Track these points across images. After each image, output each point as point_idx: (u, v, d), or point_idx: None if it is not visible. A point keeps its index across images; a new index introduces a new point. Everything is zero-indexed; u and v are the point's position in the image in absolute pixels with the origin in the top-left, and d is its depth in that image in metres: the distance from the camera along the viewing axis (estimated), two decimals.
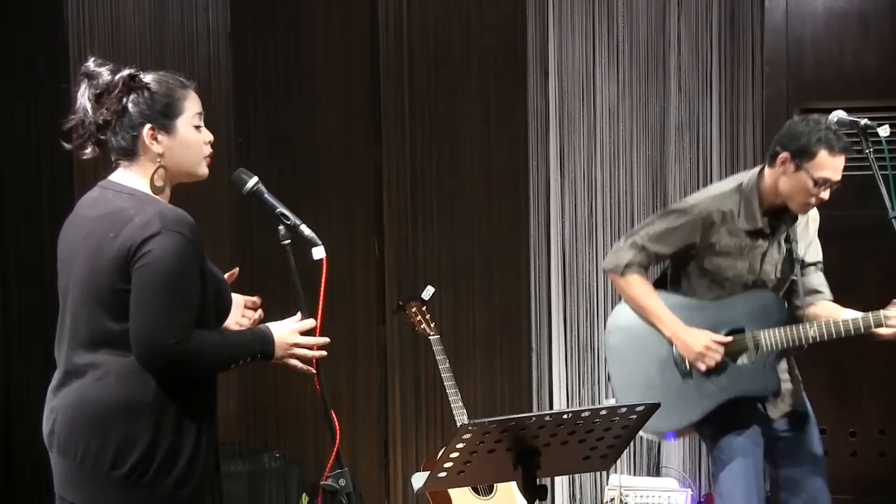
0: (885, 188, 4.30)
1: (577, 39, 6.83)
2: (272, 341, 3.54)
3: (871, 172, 4.34)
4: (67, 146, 3.57)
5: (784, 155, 4.55)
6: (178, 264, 3.35)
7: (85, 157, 3.55)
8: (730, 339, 4.63)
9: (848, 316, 4.54)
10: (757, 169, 4.70)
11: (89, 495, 3.44)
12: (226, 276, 3.69)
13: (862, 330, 4.47)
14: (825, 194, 4.52)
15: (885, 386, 6.24)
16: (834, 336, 4.51)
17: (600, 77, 6.84)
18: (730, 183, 4.77)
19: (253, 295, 3.88)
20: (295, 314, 3.64)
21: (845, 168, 6.03)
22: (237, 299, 3.79)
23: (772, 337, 4.56)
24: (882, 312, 4.43)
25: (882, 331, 4.45)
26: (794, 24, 6.18)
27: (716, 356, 4.60)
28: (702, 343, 4.62)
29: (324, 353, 3.61)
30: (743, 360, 4.62)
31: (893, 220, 4.30)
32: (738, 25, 6.63)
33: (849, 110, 4.57)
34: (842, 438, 6.22)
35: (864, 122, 4.44)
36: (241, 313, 3.80)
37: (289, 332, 3.57)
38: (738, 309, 4.66)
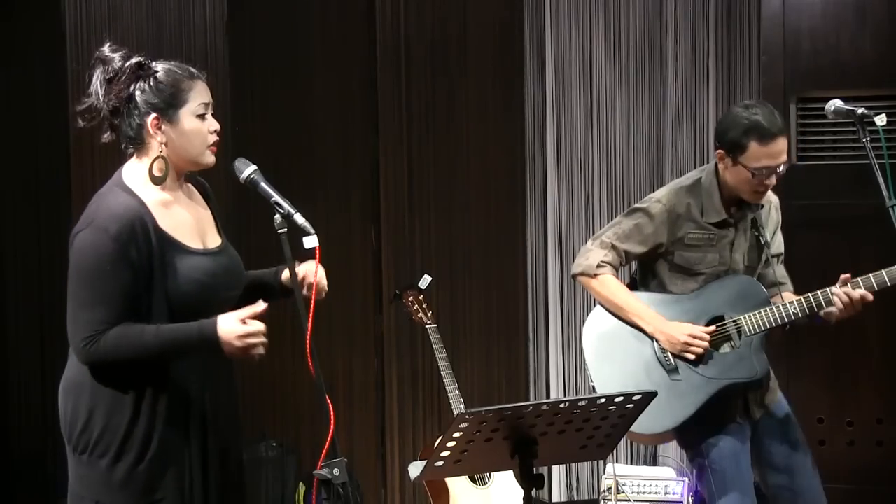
0: (882, 177, 4.30)
1: (574, 29, 6.84)
2: (214, 332, 3.49)
3: (868, 161, 4.33)
4: (81, 124, 3.64)
5: (719, 151, 4.52)
6: (92, 260, 3.45)
7: (104, 141, 3.64)
8: (712, 328, 4.57)
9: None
10: (713, 163, 4.64)
11: (68, 467, 3.63)
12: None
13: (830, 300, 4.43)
14: (771, 180, 4.46)
15: (883, 375, 6.24)
16: (815, 308, 4.42)
17: (597, 67, 6.84)
18: (690, 178, 4.72)
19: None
20: (293, 305, 3.65)
21: (842, 157, 6.07)
22: None
23: (753, 320, 4.53)
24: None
25: (831, 309, 4.42)
26: (791, 12, 6.18)
27: (701, 344, 4.52)
28: (685, 333, 4.54)
29: (264, 340, 3.54)
30: (727, 347, 4.59)
31: (891, 209, 4.29)
32: (734, 14, 6.63)
33: (846, 99, 4.55)
34: (839, 428, 6.22)
35: (861, 110, 4.42)
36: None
37: (234, 320, 3.50)
38: (715, 298, 4.59)
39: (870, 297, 4.37)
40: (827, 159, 6.21)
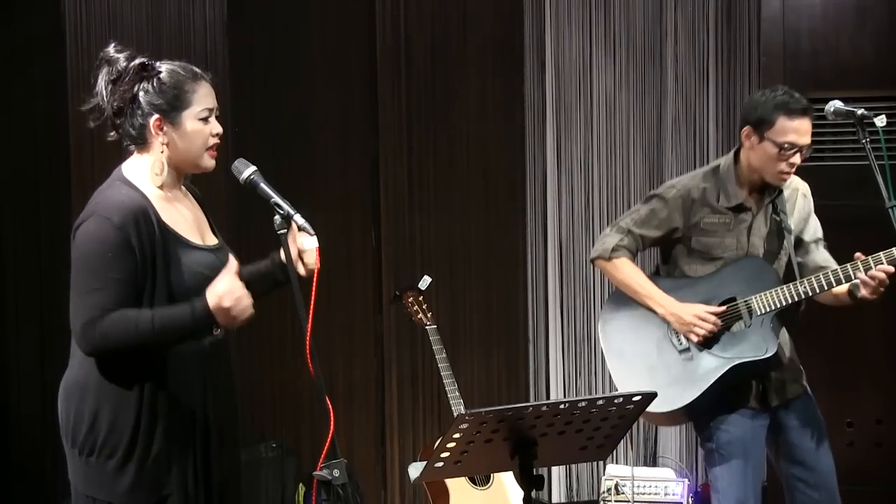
0: (882, 178, 4.30)
1: (574, 30, 6.84)
2: (205, 305, 3.48)
3: (867, 162, 4.33)
4: (91, 125, 3.65)
5: (747, 129, 4.59)
6: (96, 248, 3.45)
7: (109, 139, 3.66)
8: (721, 308, 4.62)
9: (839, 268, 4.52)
10: (733, 150, 4.73)
11: (69, 470, 3.62)
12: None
13: (849, 278, 4.44)
14: (795, 159, 4.52)
15: (882, 376, 6.24)
16: (825, 287, 4.47)
17: (597, 68, 6.85)
18: (710, 165, 4.82)
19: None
20: (293, 305, 3.65)
21: (842, 158, 6.06)
22: None
23: (763, 300, 4.56)
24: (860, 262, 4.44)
25: (861, 276, 4.44)
26: (791, 14, 6.17)
27: (707, 325, 4.59)
28: (692, 313, 4.62)
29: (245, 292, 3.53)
30: (738, 327, 4.62)
31: (890, 210, 4.29)
32: (734, 15, 6.64)
33: (846, 100, 4.56)
34: (838, 428, 6.21)
35: (860, 111, 4.43)
36: None
37: (222, 292, 3.48)
38: (728, 280, 4.65)
39: (892, 269, 4.41)
40: (827, 160, 6.20)
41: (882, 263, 4.39)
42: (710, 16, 6.68)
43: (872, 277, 4.40)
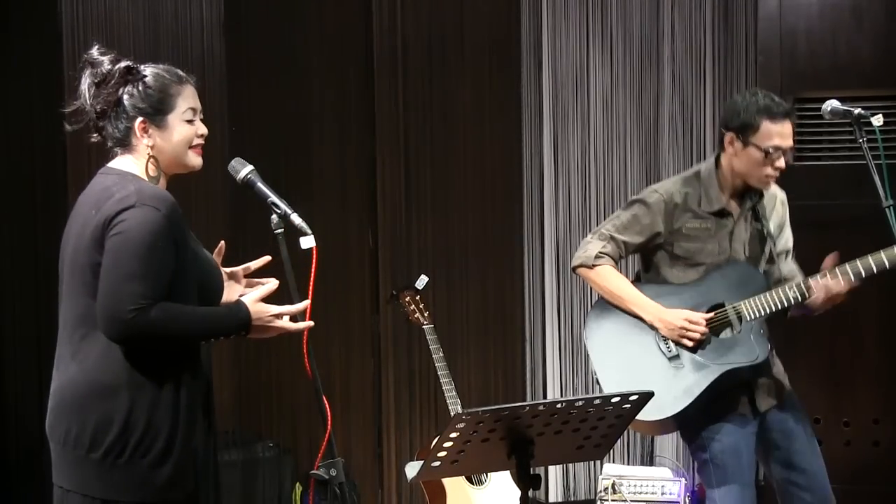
0: (879, 177, 4.30)
1: (571, 30, 6.84)
2: (247, 315, 3.53)
3: (864, 162, 4.33)
4: (69, 128, 3.64)
5: (729, 135, 4.57)
6: (148, 236, 3.40)
7: (93, 141, 3.64)
8: (710, 315, 4.60)
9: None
10: (714, 155, 4.71)
11: (71, 478, 3.49)
12: (214, 253, 3.74)
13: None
14: (780, 162, 4.52)
15: (879, 375, 6.25)
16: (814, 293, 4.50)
17: (594, 67, 6.85)
18: (690, 170, 4.79)
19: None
20: (288, 303, 3.66)
21: (839, 157, 6.07)
22: (234, 273, 3.83)
23: (752, 305, 4.55)
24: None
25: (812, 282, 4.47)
26: (788, 14, 6.19)
27: (698, 329, 4.56)
28: (682, 318, 4.58)
29: (310, 323, 3.64)
30: (728, 333, 4.61)
31: (887, 209, 4.30)
32: (731, 15, 6.64)
33: (842, 100, 4.55)
34: (835, 428, 6.23)
35: (857, 111, 4.43)
36: (241, 286, 3.82)
37: (259, 302, 3.57)
38: (715, 286, 4.62)
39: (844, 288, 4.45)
40: (824, 160, 6.22)
41: (860, 272, 4.42)
42: (707, 16, 6.68)
43: (826, 285, 4.44)
